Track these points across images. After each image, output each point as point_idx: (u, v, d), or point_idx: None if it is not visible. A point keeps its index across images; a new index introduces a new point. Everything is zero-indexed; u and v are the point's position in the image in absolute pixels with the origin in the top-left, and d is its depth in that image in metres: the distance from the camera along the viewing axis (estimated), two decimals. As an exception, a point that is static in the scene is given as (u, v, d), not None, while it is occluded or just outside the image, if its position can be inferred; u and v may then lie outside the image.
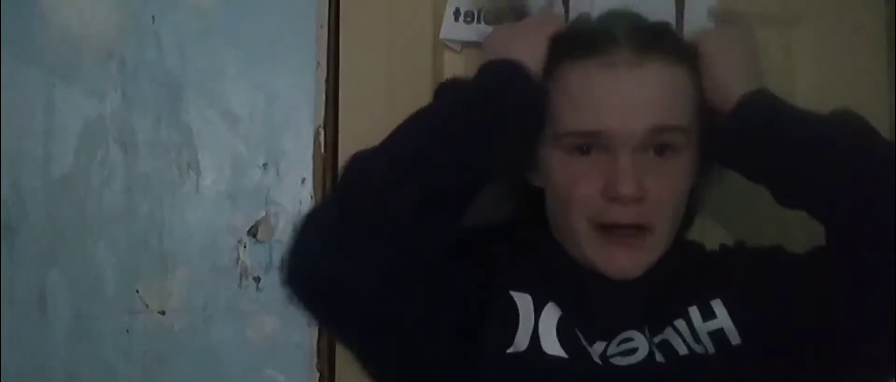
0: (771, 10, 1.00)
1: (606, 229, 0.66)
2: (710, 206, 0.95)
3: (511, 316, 0.66)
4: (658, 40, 0.69)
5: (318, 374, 0.86)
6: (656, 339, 0.68)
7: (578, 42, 0.69)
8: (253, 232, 0.88)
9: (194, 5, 0.89)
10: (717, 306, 0.68)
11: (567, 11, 0.93)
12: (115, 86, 0.88)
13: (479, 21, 0.90)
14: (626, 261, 0.66)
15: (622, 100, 0.65)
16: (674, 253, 0.70)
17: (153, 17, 0.89)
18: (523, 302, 0.67)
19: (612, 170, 0.65)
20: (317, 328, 0.86)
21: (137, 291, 0.86)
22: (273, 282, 0.87)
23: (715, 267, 0.74)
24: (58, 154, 0.87)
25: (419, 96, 0.90)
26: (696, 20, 0.95)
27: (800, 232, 0.99)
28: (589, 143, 0.66)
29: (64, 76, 0.88)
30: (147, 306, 0.86)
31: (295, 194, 0.88)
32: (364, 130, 0.89)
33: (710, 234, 0.96)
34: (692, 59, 0.70)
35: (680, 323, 0.68)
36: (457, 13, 0.90)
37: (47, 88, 0.88)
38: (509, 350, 0.65)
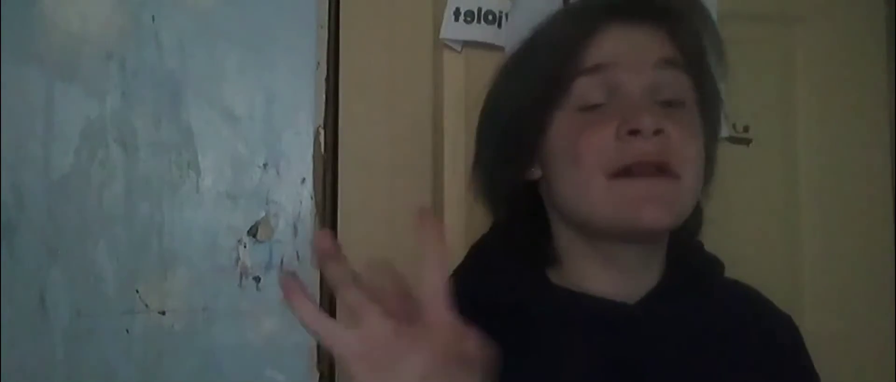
0: (771, 10, 1.00)
1: (626, 176, 0.59)
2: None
3: None
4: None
5: (318, 374, 0.86)
6: None
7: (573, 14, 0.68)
8: (253, 232, 0.88)
9: (194, 5, 0.89)
10: None
11: (567, 11, 0.93)
12: (115, 86, 0.88)
13: (479, 21, 0.90)
14: (652, 207, 0.59)
15: (628, 42, 0.63)
16: (687, 289, 0.66)
17: (153, 17, 0.89)
18: None
19: (624, 108, 0.60)
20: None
21: (137, 291, 0.86)
22: (273, 282, 0.87)
23: (761, 343, 0.69)
24: (58, 154, 0.87)
25: (419, 96, 0.91)
26: (696, 20, 0.95)
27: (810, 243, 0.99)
28: (597, 94, 0.62)
29: (64, 76, 0.88)
30: (147, 306, 0.86)
31: (295, 194, 0.88)
32: (364, 130, 0.90)
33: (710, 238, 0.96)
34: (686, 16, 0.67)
35: None
36: (457, 13, 0.90)
37: (47, 88, 0.87)
38: None
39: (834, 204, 0.99)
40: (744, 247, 0.96)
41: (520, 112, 0.66)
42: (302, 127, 0.89)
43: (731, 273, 0.96)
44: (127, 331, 0.86)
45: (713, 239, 0.96)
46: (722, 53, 0.69)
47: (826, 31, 1.01)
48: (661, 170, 0.59)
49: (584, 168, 0.61)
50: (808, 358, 0.73)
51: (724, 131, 0.95)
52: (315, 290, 0.87)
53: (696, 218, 0.69)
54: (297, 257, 0.88)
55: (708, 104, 0.67)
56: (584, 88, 0.62)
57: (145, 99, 0.88)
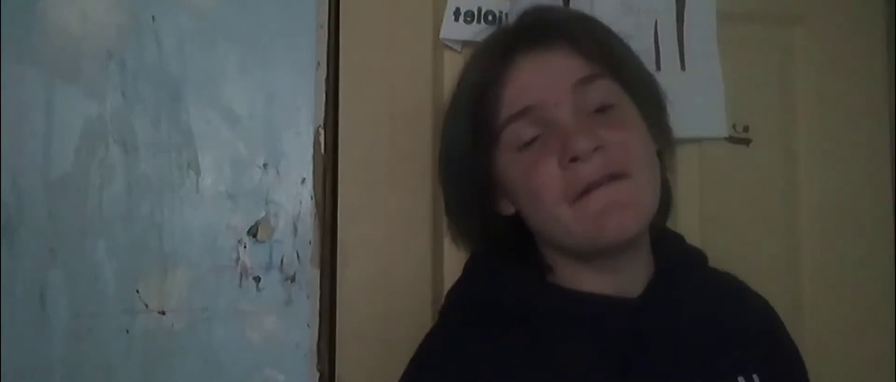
0: (771, 10, 1.00)
1: (584, 198, 0.62)
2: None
3: None
4: (556, 19, 0.70)
5: (318, 374, 0.86)
6: None
7: (489, 47, 0.71)
8: (253, 232, 0.88)
9: (194, 5, 0.89)
10: None
11: (567, 11, 0.93)
12: (115, 86, 0.88)
13: (479, 21, 0.90)
14: (613, 218, 0.61)
15: (542, 73, 0.65)
16: (685, 278, 0.69)
17: (153, 17, 0.89)
18: None
19: (560, 137, 0.63)
20: (317, 328, 0.86)
21: (137, 291, 0.86)
22: (273, 282, 0.87)
23: (751, 327, 0.72)
24: (58, 154, 0.87)
25: (419, 96, 0.91)
26: (697, 20, 0.95)
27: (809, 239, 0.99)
28: (526, 128, 0.65)
29: (64, 76, 0.88)
30: (147, 306, 0.86)
31: (295, 194, 0.88)
32: (364, 130, 0.90)
33: (710, 238, 0.96)
34: (589, 20, 0.71)
35: None
36: (457, 13, 0.90)
37: (47, 88, 0.87)
38: None
39: (834, 204, 0.99)
40: (744, 247, 0.96)
41: (464, 160, 0.70)
42: (302, 127, 0.89)
43: (732, 271, 0.96)
44: (127, 331, 0.86)
45: (713, 239, 0.96)
46: (636, 59, 0.72)
47: (826, 31, 1.01)
48: (611, 177, 0.62)
49: (545, 203, 0.64)
50: (788, 335, 0.77)
51: (725, 131, 0.96)
52: (315, 290, 0.87)
53: (664, 201, 0.71)
54: (297, 257, 0.88)
55: (641, 93, 0.69)
56: (517, 130, 0.65)
57: (145, 99, 0.88)
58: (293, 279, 0.87)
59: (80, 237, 0.86)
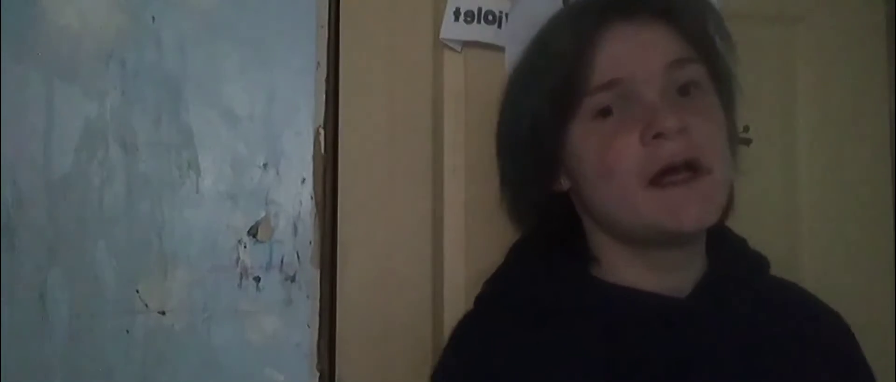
0: (771, 10, 1.00)
1: (660, 181, 0.60)
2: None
3: None
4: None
5: (318, 374, 0.86)
6: None
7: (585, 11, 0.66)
8: (253, 232, 0.88)
9: (194, 5, 0.89)
10: None
11: (567, 11, 0.93)
12: (115, 86, 0.88)
13: (479, 21, 0.90)
14: (693, 208, 0.59)
15: (636, 46, 0.62)
16: (734, 279, 0.66)
17: (153, 17, 0.89)
18: None
19: (644, 113, 0.60)
20: (317, 328, 0.86)
21: (137, 291, 0.86)
22: (273, 282, 0.87)
23: (814, 342, 0.68)
24: (58, 154, 0.87)
25: (419, 96, 0.91)
26: (696, 20, 0.95)
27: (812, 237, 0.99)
28: (610, 101, 0.62)
29: (64, 76, 0.88)
30: (147, 306, 0.86)
31: (295, 194, 0.88)
32: (364, 130, 0.90)
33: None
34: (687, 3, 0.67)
35: None
36: (457, 13, 0.90)
37: (47, 88, 0.87)
38: None
39: (834, 204, 0.99)
40: (744, 247, 0.96)
41: (535, 129, 0.66)
42: (302, 127, 0.89)
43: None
44: (127, 331, 0.86)
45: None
46: (728, 35, 0.69)
47: (826, 31, 1.01)
48: (691, 167, 0.60)
49: (619, 179, 0.61)
50: (861, 353, 0.73)
51: (725, 131, 0.96)
52: (315, 290, 0.87)
53: (729, 200, 0.68)
54: (297, 257, 0.88)
55: (724, 86, 0.67)
56: (600, 101, 0.63)
57: (145, 99, 0.88)
58: (293, 279, 0.87)
59: (80, 237, 0.86)
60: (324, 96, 0.89)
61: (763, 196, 0.98)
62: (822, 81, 1.00)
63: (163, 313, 0.86)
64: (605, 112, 0.63)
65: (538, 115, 0.66)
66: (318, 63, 0.90)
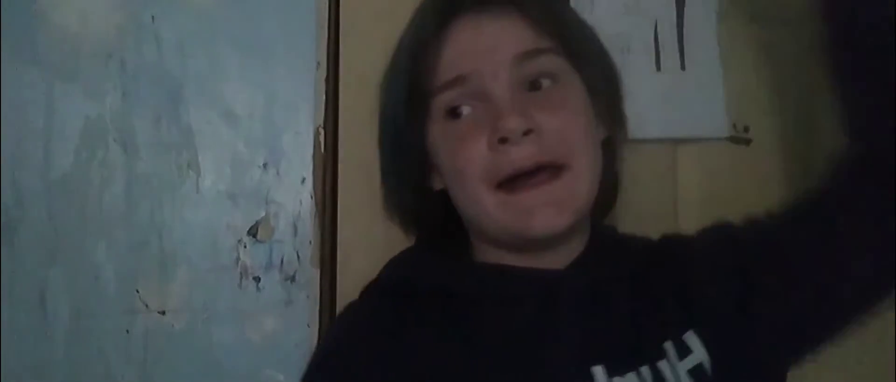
0: (771, 10, 1.00)
1: (511, 186, 0.58)
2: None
3: None
4: None
5: (318, 374, 0.86)
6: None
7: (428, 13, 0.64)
8: (253, 232, 0.87)
9: (194, 5, 0.89)
10: (692, 339, 0.60)
11: (567, 11, 0.93)
12: (115, 86, 0.88)
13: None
14: (544, 212, 0.57)
15: (481, 39, 0.60)
16: (610, 251, 0.64)
17: (153, 16, 0.89)
18: None
19: (492, 114, 0.57)
20: (317, 328, 0.86)
21: (137, 291, 0.86)
22: (273, 282, 0.87)
23: (671, 278, 0.64)
24: (58, 154, 0.87)
25: (419, 96, 0.91)
26: (697, 20, 0.95)
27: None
28: (459, 99, 0.60)
29: (64, 76, 0.88)
30: (147, 306, 0.86)
31: (295, 194, 0.88)
32: (364, 130, 0.89)
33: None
34: None
35: (663, 364, 0.58)
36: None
37: (47, 88, 0.87)
38: None
39: (834, 204, 0.99)
40: (744, 247, 0.96)
41: (397, 127, 0.65)
42: (302, 127, 0.89)
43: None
44: (127, 331, 0.86)
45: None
46: (581, 20, 0.67)
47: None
48: (543, 168, 0.57)
49: (469, 182, 0.59)
50: (700, 242, 0.70)
51: (725, 131, 0.95)
52: (315, 290, 0.87)
53: (609, 186, 0.67)
54: (298, 257, 0.88)
55: (591, 70, 0.64)
56: (448, 99, 0.60)
57: (145, 99, 0.88)
58: (293, 279, 0.87)
59: (80, 237, 0.86)
60: (324, 96, 0.89)
61: (763, 196, 0.98)
62: (821, 81, 1.00)
63: (163, 313, 0.86)
64: (454, 112, 0.60)
65: (396, 116, 0.64)
66: (318, 63, 0.90)
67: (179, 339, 0.86)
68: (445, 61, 0.60)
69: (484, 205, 0.59)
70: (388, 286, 0.66)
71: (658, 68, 0.94)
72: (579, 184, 0.59)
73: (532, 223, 0.57)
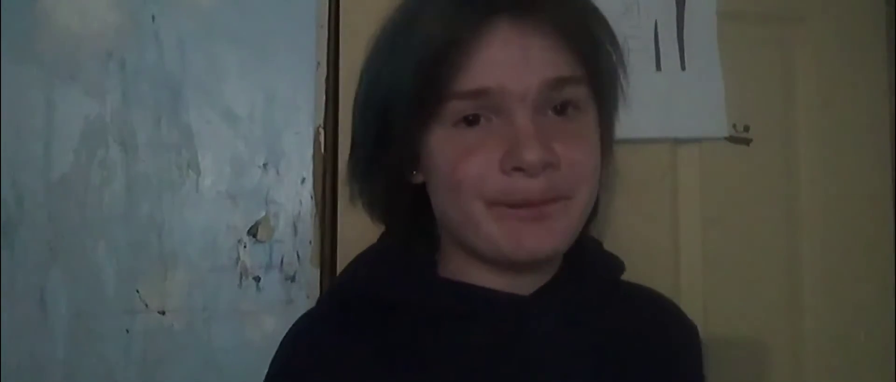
0: (771, 10, 1.00)
1: (513, 208, 0.55)
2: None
3: None
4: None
5: (318, 374, 0.86)
6: None
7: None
8: (253, 232, 0.87)
9: (194, 5, 0.89)
10: None
11: (567, 11, 0.92)
12: (115, 86, 0.88)
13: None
14: (536, 239, 0.55)
15: (516, 54, 0.54)
16: (581, 279, 0.62)
17: (153, 16, 0.89)
18: None
19: (510, 135, 0.53)
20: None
21: (137, 291, 0.86)
22: (273, 282, 0.87)
23: (648, 339, 0.64)
24: (58, 154, 0.87)
25: (419, 96, 0.91)
26: (697, 20, 0.95)
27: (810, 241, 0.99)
28: (477, 110, 0.55)
29: (64, 76, 0.88)
30: (147, 306, 0.86)
31: (295, 194, 0.88)
32: (364, 130, 0.90)
33: (710, 238, 0.96)
34: (582, 12, 0.59)
35: None
36: None
37: (47, 88, 0.87)
38: None
39: (834, 204, 0.99)
40: (744, 247, 0.96)
41: (390, 116, 0.58)
42: (302, 127, 0.89)
43: (732, 271, 0.96)
44: (127, 331, 0.86)
45: (713, 239, 0.96)
46: (617, 45, 0.62)
47: (826, 31, 1.01)
48: (550, 202, 0.55)
49: (465, 196, 0.55)
50: (700, 372, 0.69)
51: (725, 131, 0.96)
52: (315, 290, 0.87)
53: (592, 212, 0.64)
54: (297, 257, 0.88)
55: (605, 102, 0.61)
56: (466, 107, 0.55)
57: (145, 99, 0.88)
58: (293, 279, 0.87)
59: (80, 237, 0.86)
60: (324, 96, 0.89)
61: (763, 196, 0.98)
62: (822, 81, 1.00)
63: (163, 313, 0.86)
64: (470, 120, 0.55)
65: (393, 106, 0.58)
66: (318, 63, 0.90)
67: (179, 339, 0.86)
68: (472, 68, 0.54)
69: (475, 219, 0.56)
70: (346, 296, 0.63)
71: (658, 68, 0.94)
72: (577, 214, 0.57)
73: (523, 244, 0.55)
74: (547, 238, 0.55)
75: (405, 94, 0.56)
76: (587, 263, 0.64)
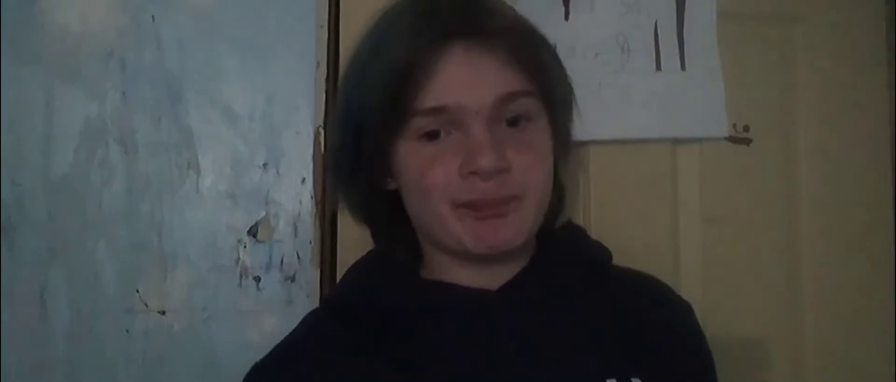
0: (771, 10, 1.00)
1: (472, 211, 0.62)
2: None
3: None
4: (493, 14, 0.65)
5: (318, 374, 0.86)
6: None
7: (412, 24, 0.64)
8: (253, 232, 0.88)
9: (194, 5, 0.89)
10: None
11: (567, 10, 0.93)
12: (115, 86, 0.88)
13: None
14: (496, 233, 0.62)
15: (470, 73, 0.61)
16: (553, 270, 0.68)
17: (153, 16, 0.89)
18: None
19: (468, 144, 0.61)
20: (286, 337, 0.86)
21: (137, 291, 0.86)
22: (273, 282, 0.87)
23: (647, 330, 0.68)
24: (58, 154, 0.87)
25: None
26: (697, 20, 0.95)
27: (810, 233, 0.99)
28: (437, 125, 0.62)
29: (64, 76, 0.88)
30: (147, 306, 0.86)
31: (295, 194, 0.88)
32: (364, 130, 0.90)
33: (710, 237, 0.96)
34: (527, 33, 0.67)
35: None
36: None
37: (47, 88, 0.87)
38: None
39: (834, 204, 0.99)
40: (744, 247, 0.96)
41: (362, 131, 0.65)
42: (302, 127, 0.89)
43: (732, 271, 0.96)
44: (127, 331, 0.86)
45: (713, 239, 0.96)
46: (560, 64, 0.70)
47: (826, 31, 1.01)
48: (504, 201, 0.62)
49: (433, 199, 0.63)
50: (704, 345, 0.73)
51: (725, 131, 0.96)
52: (315, 290, 0.87)
53: (554, 209, 0.71)
54: (297, 257, 0.88)
55: (557, 112, 0.68)
56: (427, 124, 0.62)
57: (145, 99, 0.88)
58: (293, 279, 0.87)
59: (80, 237, 0.86)
60: (324, 96, 0.89)
61: (763, 196, 0.98)
62: (822, 81, 1.00)
63: (163, 313, 0.86)
64: (431, 135, 0.63)
65: (363, 123, 0.65)
66: (318, 63, 0.90)
67: (179, 339, 0.86)
68: (432, 88, 0.61)
69: (443, 219, 0.63)
70: (337, 301, 0.71)
71: (658, 68, 0.94)
72: (529, 212, 0.64)
73: (484, 240, 0.62)
74: (503, 232, 0.62)
75: (374, 112, 0.63)
76: (561, 255, 0.70)
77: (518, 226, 0.63)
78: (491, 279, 0.66)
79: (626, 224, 0.91)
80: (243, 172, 0.88)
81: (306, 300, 0.87)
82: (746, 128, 0.97)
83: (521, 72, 0.63)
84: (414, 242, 0.72)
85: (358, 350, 0.65)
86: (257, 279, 0.87)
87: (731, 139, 0.97)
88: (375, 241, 0.74)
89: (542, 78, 0.65)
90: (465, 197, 0.62)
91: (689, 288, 0.91)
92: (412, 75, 0.61)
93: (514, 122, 0.63)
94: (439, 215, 0.63)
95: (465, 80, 0.61)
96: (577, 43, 0.92)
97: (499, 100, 0.61)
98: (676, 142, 0.95)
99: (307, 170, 0.88)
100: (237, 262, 0.87)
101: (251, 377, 0.69)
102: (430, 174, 0.62)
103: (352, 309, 0.68)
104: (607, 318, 0.67)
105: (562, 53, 0.78)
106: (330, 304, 0.72)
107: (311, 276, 0.87)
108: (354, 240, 0.88)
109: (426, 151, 0.63)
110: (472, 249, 0.63)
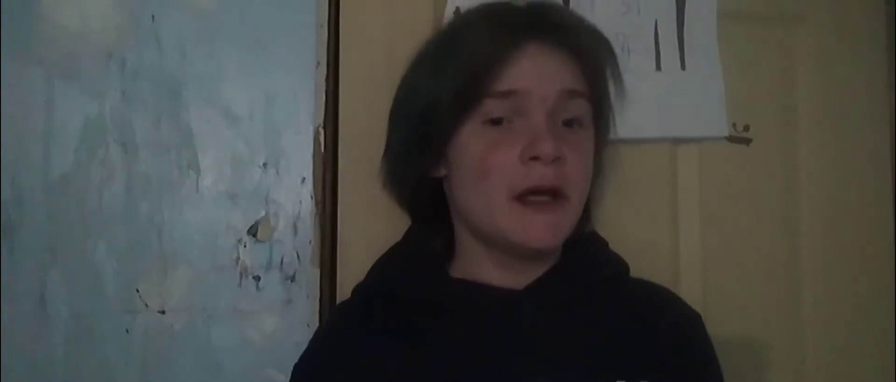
0: (771, 10, 1.00)
1: (523, 199, 0.66)
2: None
3: None
4: (562, 17, 0.73)
5: (318, 374, 0.86)
6: None
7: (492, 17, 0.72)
8: (253, 232, 0.88)
9: (194, 5, 0.89)
10: None
11: (567, 11, 0.93)
12: (115, 86, 0.88)
13: (478, 21, 0.90)
14: (542, 228, 0.66)
15: (541, 65, 0.68)
16: (575, 274, 0.71)
17: (153, 16, 0.89)
18: None
19: (530, 132, 0.66)
20: (316, 328, 0.86)
21: (137, 291, 0.86)
22: (273, 282, 0.87)
23: (656, 336, 0.71)
24: (58, 154, 0.87)
25: (419, 96, 0.91)
26: (697, 20, 0.95)
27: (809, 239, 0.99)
28: (503, 112, 0.67)
29: (64, 76, 0.88)
30: (147, 306, 0.86)
31: (295, 194, 0.88)
32: (364, 130, 0.90)
33: (710, 237, 0.96)
34: (593, 38, 0.74)
35: None
36: (456, 13, 0.90)
37: (47, 88, 0.87)
38: None
39: (834, 204, 0.99)
40: (744, 247, 0.96)
41: (429, 116, 0.70)
42: (302, 127, 0.89)
43: (732, 272, 0.96)
44: (127, 331, 0.86)
45: (713, 239, 0.96)
46: (620, 83, 0.76)
47: (826, 31, 1.01)
48: (554, 193, 0.66)
49: (491, 184, 0.67)
50: (712, 354, 0.75)
51: (725, 131, 0.96)
52: (315, 290, 0.87)
53: (584, 217, 0.74)
54: (297, 257, 0.88)
55: (602, 125, 0.74)
56: (493, 106, 0.67)
57: (145, 99, 0.88)
58: (293, 279, 0.87)
59: (80, 237, 0.86)
60: (324, 96, 0.89)
61: (763, 196, 0.98)
62: (822, 81, 1.00)
63: (163, 313, 0.86)
64: (496, 121, 0.67)
65: (434, 105, 0.70)
66: (318, 63, 0.90)
67: (179, 339, 0.86)
68: (506, 74, 0.67)
69: (497, 208, 0.66)
70: (371, 292, 0.74)
71: (658, 68, 0.94)
72: (572, 215, 0.68)
73: (530, 236, 0.66)
74: (549, 236, 0.67)
75: (447, 94, 0.68)
76: (584, 262, 0.74)
77: (560, 228, 0.67)
78: (518, 278, 0.70)
79: (626, 224, 0.91)
80: (243, 172, 0.88)
81: (306, 300, 0.87)
82: (746, 128, 0.97)
83: (583, 73, 0.70)
84: (450, 234, 0.75)
85: (390, 336, 0.69)
86: (257, 279, 0.87)
87: (731, 139, 0.97)
88: (412, 229, 0.79)
89: (598, 87, 0.72)
90: (524, 184, 0.66)
91: (689, 288, 0.91)
92: (489, 62, 0.67)
93: (569, 124, 0.68)
94: (492, 201, 0.67)
95: (535, 71, 0.67)
96: (577, 43, 0.92)
97: (562, 93, 0.67)
98: (676, 141, 0.95)
99: (307, 170, 0.88)
100: (237, 262, 0.87)
101: (296, 378, 0.72)
102: (492, 156, 0.66)
103: (381, 299, 0.71)
104: (620, 324, 0.70)
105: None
106: (362, 293, 0.75)
107: (311, 276, 0.87)
108: (354, 240, 0.88)
109: (490, 135, 0.67)
110: (516, 242, 0.66)
